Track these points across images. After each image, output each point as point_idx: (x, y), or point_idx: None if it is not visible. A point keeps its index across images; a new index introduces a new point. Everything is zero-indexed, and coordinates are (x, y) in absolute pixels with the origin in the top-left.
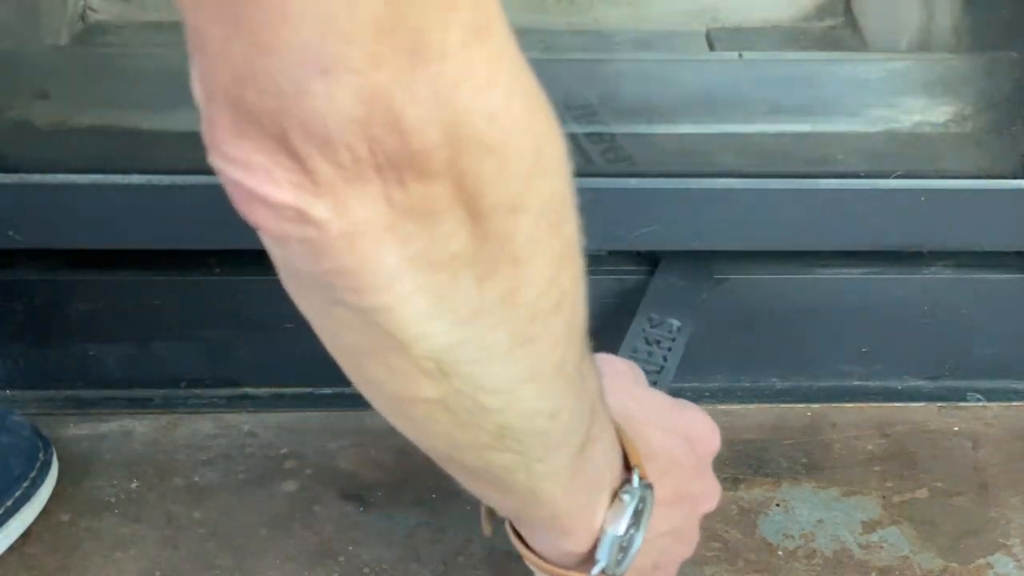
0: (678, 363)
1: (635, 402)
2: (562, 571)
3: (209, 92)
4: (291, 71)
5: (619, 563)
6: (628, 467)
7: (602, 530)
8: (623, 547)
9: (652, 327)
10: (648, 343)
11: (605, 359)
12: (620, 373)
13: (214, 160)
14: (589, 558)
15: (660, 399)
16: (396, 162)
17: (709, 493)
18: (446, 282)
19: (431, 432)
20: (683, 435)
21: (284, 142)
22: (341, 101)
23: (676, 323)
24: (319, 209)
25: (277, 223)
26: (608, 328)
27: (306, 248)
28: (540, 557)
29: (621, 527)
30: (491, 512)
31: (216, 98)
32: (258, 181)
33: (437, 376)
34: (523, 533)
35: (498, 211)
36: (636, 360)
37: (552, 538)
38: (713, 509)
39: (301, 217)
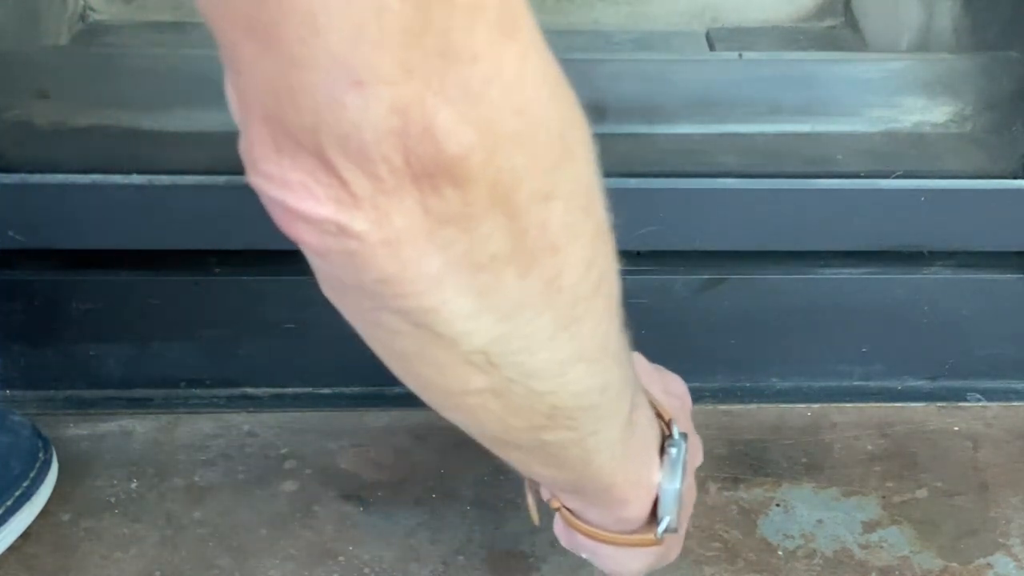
0: None
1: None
2: (625, 538)
3: (246, 110)
4: (325, 85)
5: (676, 514)
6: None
7: (660, 487)
8: (678, 499)
9: None
10: None
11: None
12: None
13: (253, 179)
14: (649, 519)
15: (643, 362)
16: (432, 171)
17: (699, 447)
18: (488, 281)
19: (484, 420)
20: (674, 394)
21: (322, 158)
22: (376, 113)
23: None
24: (359, 222)
25: (319, 238)
26: None
27: (349, 260)
28: (599, 529)
29: (678, 480)
30: (539, 501)
31: (253, 116)
32: (298, 198)
33: (486, 368)
34: (576, 509)
35: (532, 202)
36: None
37: (610, 509)
38: (700, 463)
39: (342, 231)
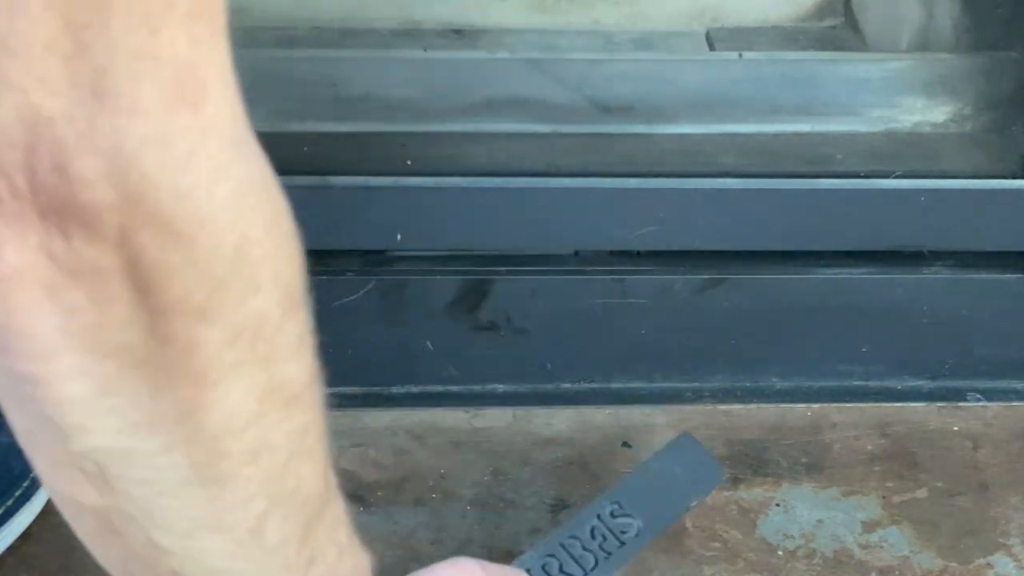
0: None
1: None
2: None
3: None
4: None
5: None
6: None
7: None
8: None
9: (612, 516)
10: (592, 535)
11: (457, 565)
12: None
13: None
14: None
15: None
16: (61, 209)
17: None
18: (114, 375)
19: (105, 557)
20: None
21: None
22: (1, 119)
23: (638, 525)
24: None
25: None
26: (607, 328)
27: None
28: None
29: None
30: None
31: None
32: None
33: (101, 486)
34: None
35: (181, 313)
36: (565, 552)
37: None
38: None
39: None
